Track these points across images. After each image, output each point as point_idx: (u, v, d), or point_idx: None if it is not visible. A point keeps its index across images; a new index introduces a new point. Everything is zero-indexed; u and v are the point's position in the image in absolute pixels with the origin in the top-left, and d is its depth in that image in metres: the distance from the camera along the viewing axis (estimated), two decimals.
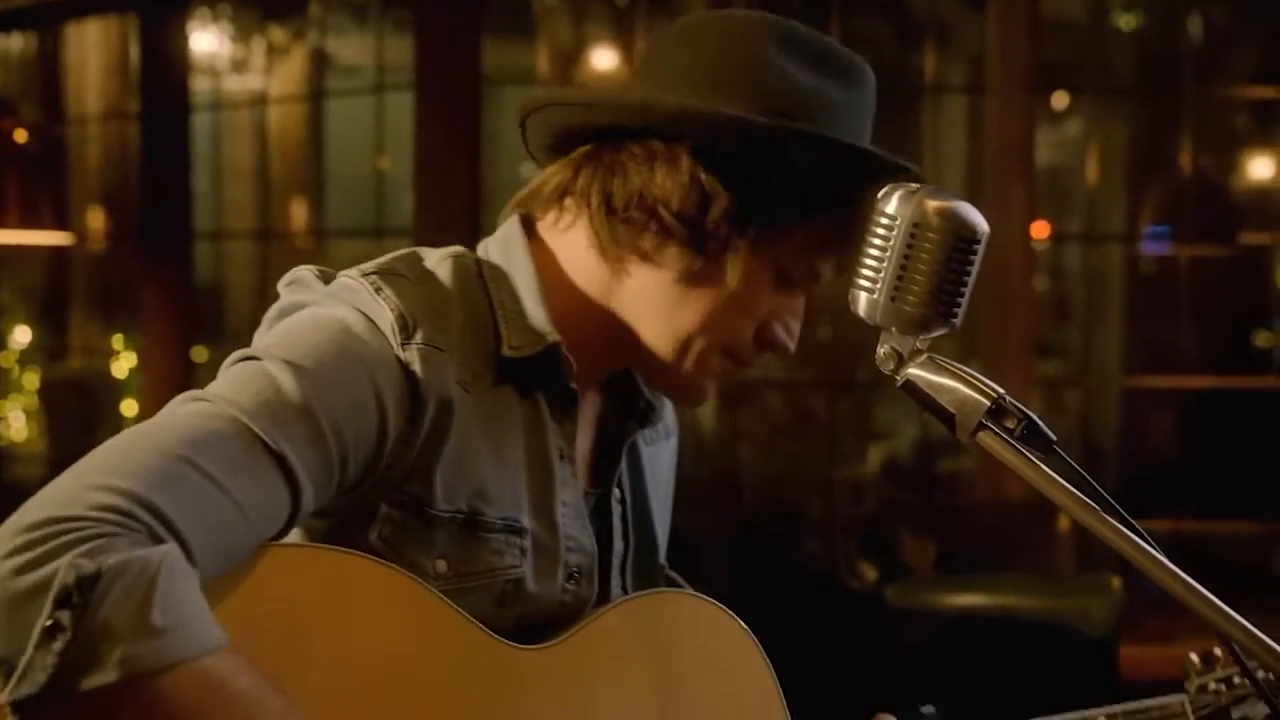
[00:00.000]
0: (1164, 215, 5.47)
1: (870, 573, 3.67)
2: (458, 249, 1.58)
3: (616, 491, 1.67)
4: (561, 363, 1.52)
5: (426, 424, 1.43)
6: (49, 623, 1.15)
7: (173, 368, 5.59)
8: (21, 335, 6.96)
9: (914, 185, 1.35)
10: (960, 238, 1.34)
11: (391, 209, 5.46)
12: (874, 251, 1.36)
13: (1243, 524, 5.11)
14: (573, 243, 1.56)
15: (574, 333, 1.54)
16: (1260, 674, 1.61)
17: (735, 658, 1.63)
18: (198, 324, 5.93)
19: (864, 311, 1.37)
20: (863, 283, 1.37)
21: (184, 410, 1.34)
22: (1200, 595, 1.27)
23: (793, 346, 1.58)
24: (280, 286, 1.54)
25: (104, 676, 1.15)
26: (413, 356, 1.43)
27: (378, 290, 1.45)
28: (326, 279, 1.52)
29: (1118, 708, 1.81)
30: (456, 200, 4.69)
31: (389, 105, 5.46)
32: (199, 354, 6.17)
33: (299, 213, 6.38)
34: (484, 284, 1.54)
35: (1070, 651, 2.99)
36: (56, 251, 6.34)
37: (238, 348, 1.47)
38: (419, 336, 1.44)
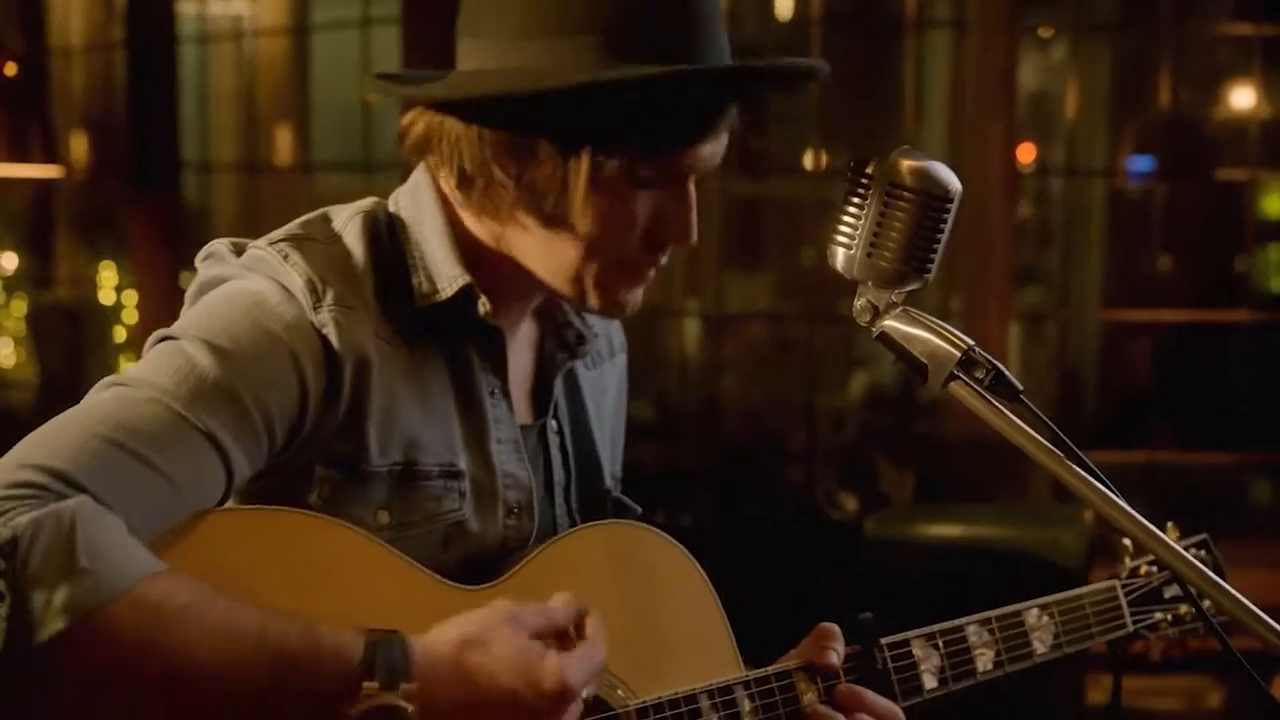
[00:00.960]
0: (1144, 149, 5.51)
1: (850, 503, 3.75)
2: (368, 203, 1.62)
3: (553, 423, 1.72)
4: (475, 304, 1.56)
5: (347, 383, 1.47)
6: None
7: (161, 294, 5.60)
8: (8, 262, 6.95)
9: (890, 148, 1.42)
10: (933, 196, 1.41)
11: (378, 142, 5.47)
12: (851, 209, 1.44)
13: (1218, 455, 5.19)
14: (454, 195, 1.59)
15: (487, 274, 1.58)
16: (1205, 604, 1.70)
17: (680, 585, 1.69)
18: (186, 251, 5.94)
19: (841, 266, 1.45)
20: (840, 239, 1.44)
21: (106, 395, 1.39)
22: (1150, 533, 1.36)
23: (693, 236, 1.58)
24: (197, 261, 1.59)
25: (53, 625, 1.21)
26: (325, 319, 1.47)
27: (285, 257, 1.50)
28: (239, 250, 1.55)
29: (1051, 598, 1.90)
30: None
31: (375, 39, 5.46)
32: (188, 280, 6.18)
33: (285, 145, 6.38)
34: (395, 237, 1.59)
35: (1043, 580, 3.05)
36: (44, 181, 6.34)
37: None
38: (329, 298, 1.48)
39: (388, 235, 1.59)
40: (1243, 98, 5.30)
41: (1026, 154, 5.68)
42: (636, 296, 1.62)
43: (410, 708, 1.29)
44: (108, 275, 6.74)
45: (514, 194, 1.52)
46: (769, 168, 5.86)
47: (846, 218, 1.43)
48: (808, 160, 5.44)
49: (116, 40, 6.00)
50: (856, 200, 1.42)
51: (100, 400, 1.38)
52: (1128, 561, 2.00)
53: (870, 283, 1.43)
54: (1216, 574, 2.06)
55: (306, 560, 1.43)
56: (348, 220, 1.58)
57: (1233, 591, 1.33)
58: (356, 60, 5.51)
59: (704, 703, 1.63)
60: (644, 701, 1.60)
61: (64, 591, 1.21)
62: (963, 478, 3.79)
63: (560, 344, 1.73)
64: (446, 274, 1.56)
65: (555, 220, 1.52)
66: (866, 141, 6.09)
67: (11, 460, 1.30)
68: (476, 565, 1.56)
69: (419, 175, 1.62)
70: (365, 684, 1.28)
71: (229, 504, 1.45)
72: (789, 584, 3.47)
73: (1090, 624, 1.92)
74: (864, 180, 1.42)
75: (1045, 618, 1.87)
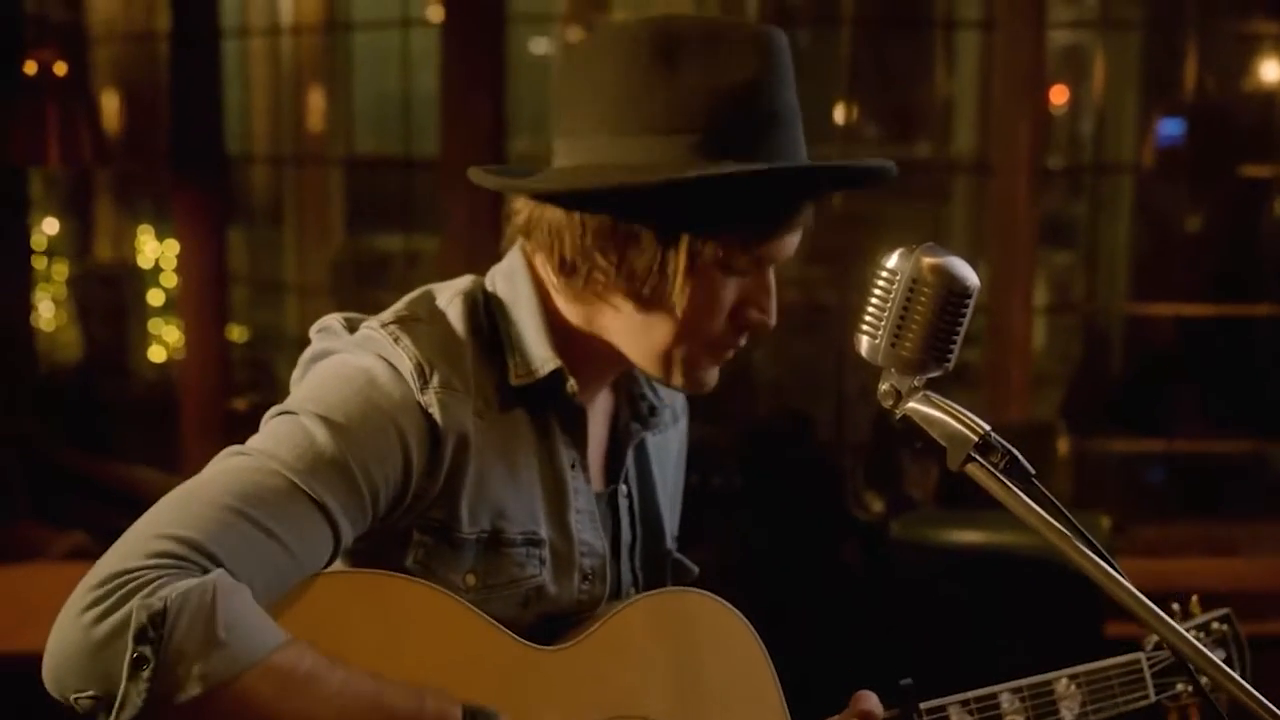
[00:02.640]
0: (1169, 146, 5.54)
1: (876, 504, 3.83)
2: (467, 283, 1.73)
3: (623, 488, 1.83)
4: (564, 385, 1.68)
5: (447, 459, 1.59)
6: (135, 656, 1.32)
7: (203, 260, 5.68)
8: (49, 227, 7.05)
9: (914, 244, 1.50)
10: (953, 293, 1.47)
11: (418, 136, 5.54)
12: (875, 301, 1.50)
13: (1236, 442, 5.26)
14: (550, 280, 1.71)
15: (575, 353, 1.70)
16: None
17: (735, 648, 1.79)
18: (228, 223, 6.00)
19: (866, 354, 1.52)
20: (865, 328, 1.51)
21: (229, 464, 1.50)
22: (1152, 611, 1.44)
23: (771, 322, 1.71)
24: (311, 333, 1.70)
25: (189, 691, 1.34)
26: (431, 400, 1.58)
27: (396, 340, 1.61)
28: (351, 326, 1.67)
29: (1080, 669, 1.98)
30: (480, 134, 4.79)
31: (414, 37, 5.52)
32: (234, 245, 6.22)
33: (322, 133, 6.45)
34: (491, 317, 1.70)
35: (1061, 587, 3.16)
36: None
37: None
38: (435, 381, 1.59)
39: (485, 315, 1.70)
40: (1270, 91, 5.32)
41: (1059, 95, 5.73)
42: (714, 375, 1.74)
43: None
44: (146, 239, 6.85)
45: (613, 279, 1.64)
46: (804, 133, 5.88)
47: (871, 308, 1.49)
48: (838, 115, 5.47)
49: (160, 30, 6.06)
50: (880, 293, 1.49)
51: (225, 470, 1.50)
52: (1153, 635, 2.06)
53: (894, 370, 1.50)
54: (1236, 644, 2.18)
55: (400, 620, 1.55)
56: (449, 300, 1.69)
57: (1235, 675, 1.36)
58: (396, 55, 5.58)
59: None
60: None
61: (203, 662, 1.34)
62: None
63: (634, 415, 1.85)
64: (540, 356, 1.68)
65: (651, 304, 1.65)
66: (896, 114, 6.14)
67: (149, 529, 1.42)
68: (552, 623, 1.69)
69: (515, 258, 1.73)
70: None
71: (335, 565, 1.57)
72: (813, 578, 3.57)
73: (1116, 694, 2.01)
74: (887, 274, 1.49)
75: (1074, 687, 1.96)
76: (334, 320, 1.69)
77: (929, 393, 1.52)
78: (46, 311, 7.02)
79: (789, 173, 1.61)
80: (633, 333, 1.68)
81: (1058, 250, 6.05)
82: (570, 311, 1.71)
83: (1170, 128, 5.61)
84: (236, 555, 1.42)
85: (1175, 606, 2.12)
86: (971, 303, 1.50)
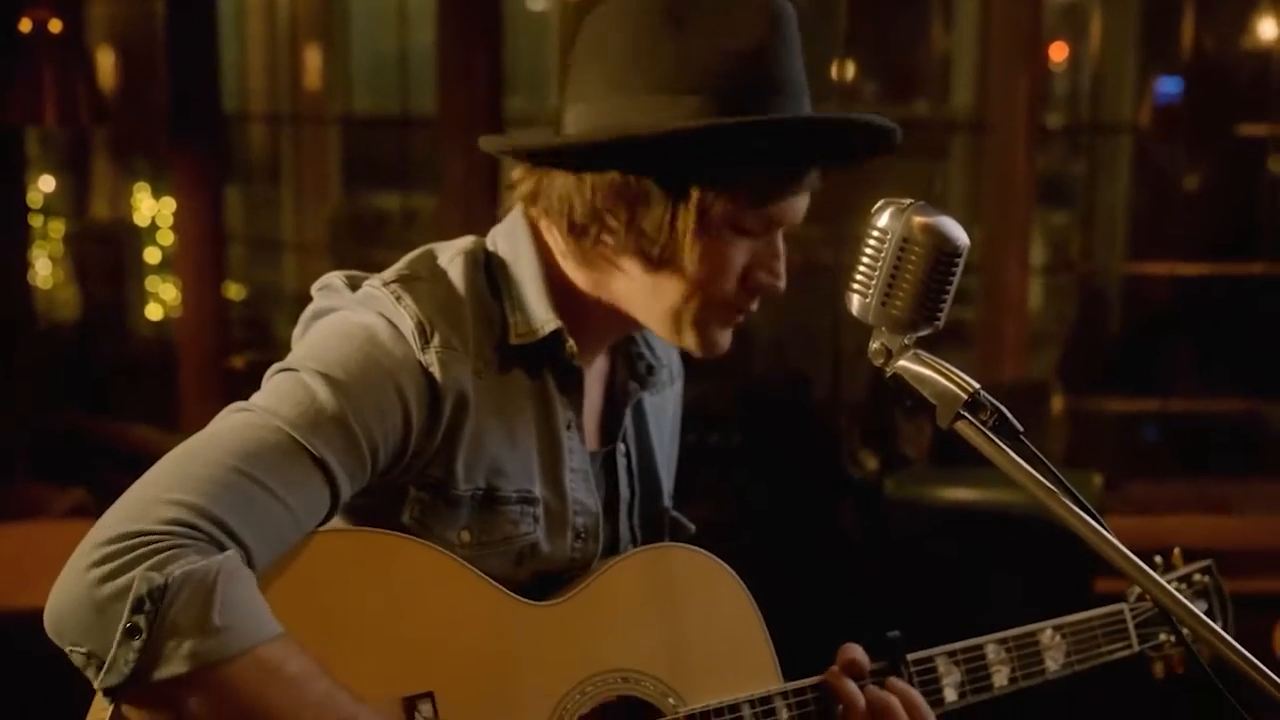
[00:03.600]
0: (1166, 104, 5.53)
1: (871, 462, 3.85)
2: (469, 243, 1.74)
3: (621, 446, 1.85)
4: (563, 346, 1.70)
5: (446, 418, 1.60)
6: (128, 625, 1.35)
7: (200, 219, 5.68)
8: (46, 185, 7.04)
9: (905, 201, 1.51)
10: (943, 252, 1.49)
11: (416, 94, 5.53)
12: (866, 260, 1.52)
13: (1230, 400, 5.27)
14: (557, 244, 1.72)
15: (576, 316, 1.71)
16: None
17: (726, 602, 1.82)
18: (225, 181, 5.99)
19: (857, 312, 1.53)
20: (856, 287, 1.53)
21: (232, 421, 1.53)
22: (1135, 564, 1.46)
23: (781, 284, 1.72)
24: (313, 290, 1.72)
25: (175, 668, 1.36)
26: (432, 359, 1.60)
27: (398, 298, 1.62)
28: (353, 284, 1.68)
29: (1064, 620, 2.02)
30: (478, 91, 4.78)
31: None
32: (231, 203, 6.21)
33: (319, 90, 6.44)
34: (492, 277, 1.71)
35: (1051, 544, 3.18)
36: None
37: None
38: (436, 340, 1.61)
39: (486, 275, 1.72)
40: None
41: (1058, 52, 5.72)
42: (727, 337, 1.75)
43: None
44: (143, 197, 6.84)
45: (622, 240, 1.65)
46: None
47: (862, 267, 1.51)
48: (836, 72, 5.44)
49: None
50: (871, 251, 1.51)
51: (228, 428, 1.52)
52: (1134, 586, 2.11)
53: (884, 328, 1.52)
54: (1218, 595, 2.20)
55: (396, 577, 1.58)
56: (451, 259, 1.71)
57: (1215, 626, 1.41)
58: (395, 10, 5.56)
59: (746, 711, 1.77)
60: (692, 709, 1.75)
61: (193, 642, 1.37)
62: None
63: (632, 374, 1.87)
64: (540, 317, 1.69)
65: (661, 264, 1.66)
66: (894, 72, 6.13)
67: (157, 490, 1.45)
68: (546, 580, 1.71)
69: (516, 219, 1.75)
70: None
71: (333, 522, 1.60)
72: (808, 536, 3.60)
73: (1099, 644, 2.05)
74: (879, 233, 1.51)
75: (1058, 638, 2.00)
76: (336, 278, 1.71)
77: (919, 351, 1.53)
78: (43, 269, 7.01)
79: (797, 123, 1.62)
80: (643, 295, 1.70)
81: (1055, 210, 6.05)
82: (578, 275, 1.72)
83: (1168, 86, 5.61)
84: (241, 519, 1.45)
85: (1158, 559, 2.15)
86: (962, 262, 1.52)
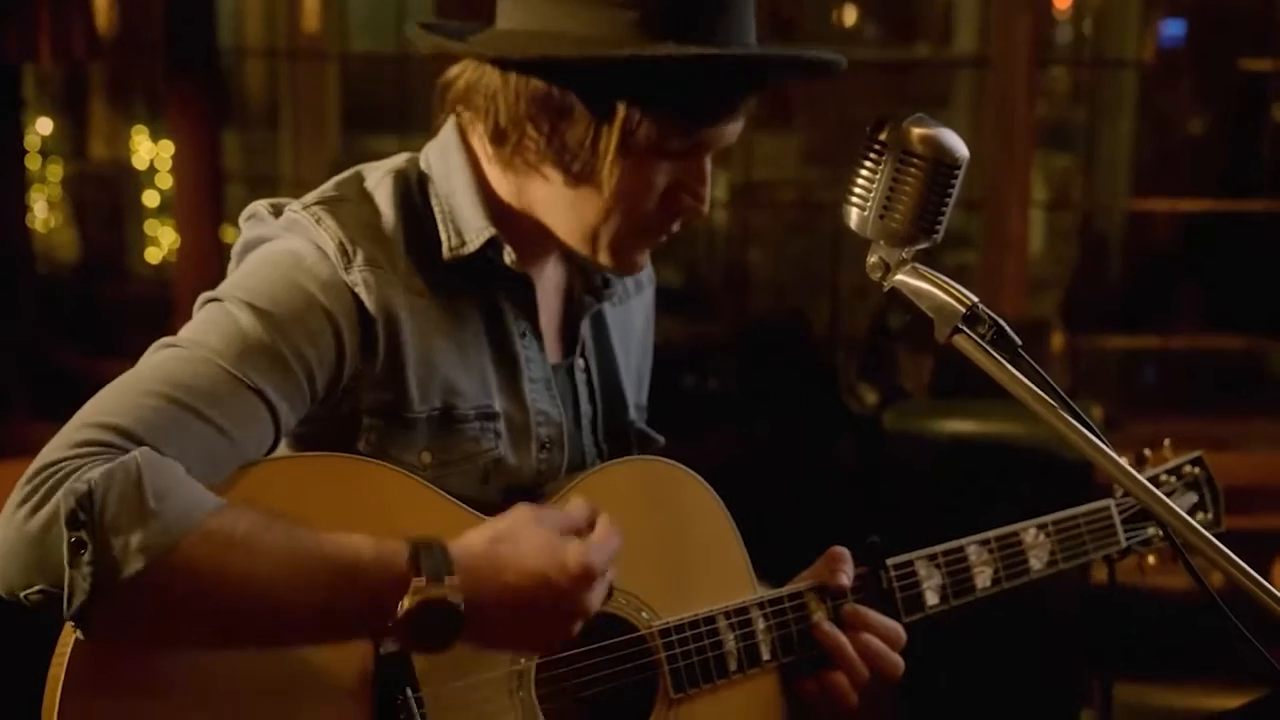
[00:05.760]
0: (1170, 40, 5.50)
1: (870, 396, 3.85)
2: (400, 161, 1.71)
3: (580, 361, 1.83)
4: (502, 253, 1.66)
5: (381, 338, 1.58)
6: (72, 541, 1.32)
7: (198, 160, 5.66)
8: (43, 127, 7.01)
9: (903, 114, 1.50)
10: (942, 163, 1.48)
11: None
12: (864, 173, 1.50)
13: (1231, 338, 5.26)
14: (484, 150, 1.68)
15: (511, 227, 1.67)
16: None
17: (699, 513, 1.81)
18: (223, 123, 5.97)
19: (855, 226, 1.52)
20: (854, 200, 1.52)
21: (160, 356, 1.50)
22: (1142, 485, 1.46)
23: (704, 208, 1.68)
24: (240, 221, 1.69)
25: (131, 566, 1.33)
26: (356, 279, 1.57)
27: (318, 220, 1.60)
28: (278, 211, 1.65)
29: (1048, 518, 2.01)
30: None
31: None
32: (229, 149, 6.19)
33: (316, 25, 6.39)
34: (424, 194, 1.68)
35: (1052, 474, 3.18)
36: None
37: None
38: (359, 259, 1.58)
39: (418, 192, 1.68)
40: None
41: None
42: (645, 258, 1.72)
43: (456, 597, 1.43)
44: (141, 140, 6.81)
45: (544, 150, 1.60)
46: (802, 35, 5.86)
47: (860, 180, 1.50)
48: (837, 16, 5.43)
49: None
50: (870, 164, 1.50)
51: (155, 362, 1.50)
52: None
53: (882, 241, 1.51)
54: (1209, 486, 2.19)
55: (355, 500, 1.56)
56: (379, 180, 1.68)
57: (1202, 530, 1.39)
58: None
59: (721, 623, 1.76)
60: (666, 622, 1.73)
61: (139, 534, 1.34)
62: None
63: (588, 287, 1.83)
64: (473, 227, 1.66)
65: (580, 180, 1.61)
66: (895, 15, 6.09)
67: (76, 422, 1.42)
68: (514, 496, 1.67)
69: (448, 132, 1.71)
70: (414, 580, 1.42)
71: (281, 451, 1.57)
72: (808, 471, 3.60)
73: (1085, 541, 2.03)
74: (878, 145, 1.49)
75: (1042, 536, 1.98)
76: (260, 206, 1.68)
77: (917, 265, 1.52)
78: (41, 213, 6.99)
79: (726, 59, 1.56)
80: (560, 208, 1.65)
81: (1057, 153, 6.02)
82: (502, 183, 1.68)
83: (1171, 28, 5.58)
84: (167, 438, 1.41)
85: (1147, 452, 2.14)
86: (961, 174, 1.50)
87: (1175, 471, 2.16)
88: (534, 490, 1.72)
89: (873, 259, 1.54)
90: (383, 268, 1.60)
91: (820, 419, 3.84)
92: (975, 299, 1.50)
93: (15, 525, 1.35)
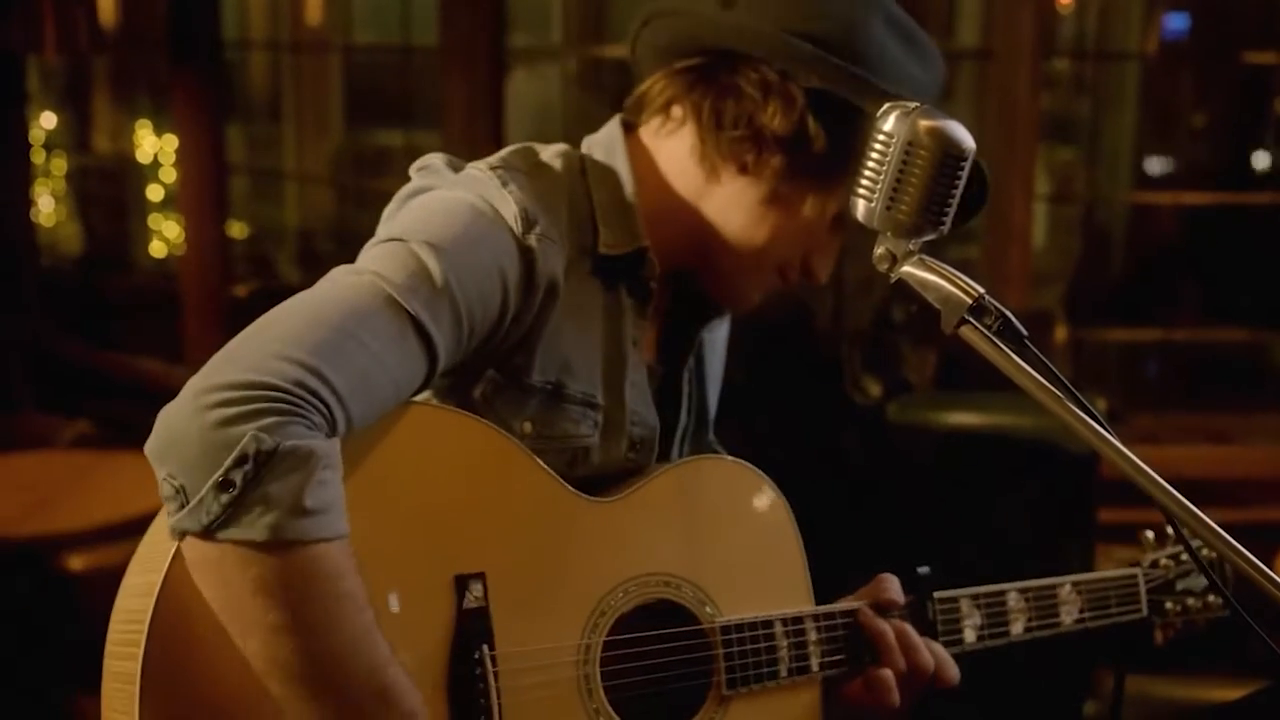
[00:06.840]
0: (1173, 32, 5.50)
1: (874, 388, 3.85)
2: (565, 147, 1.76)
3: (686, 373, 1.90)
4: (646, 264, 1.73)
5: (536, 306, 1.62)
6: (223, 478, 1.33)
7: (203, 153, 5.66)
8: (47, 121, 7.02)
9: (910, 105, 1.51)
10: (949, 155, 1.48)
11: (418, 29, 5.50)
12: (872, 164, 1.50)
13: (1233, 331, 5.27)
14: (673, 147, 1.75)
15: (659, 233, 1.74)
16: (1203, 551, 1.88)
17: (769, 519, 1.85)
18: (227, 116, 5.98)
19: (863, 217, 1.53)
20: (862, 191, 1.52)
21: (345, 282, 1.51)
22: (1149, 476, 1.46)
23: (824, 280, 1.81)
24: (412, 170, 1.71)
25: (251, 534, 1.34)
26: (533, 245, 1.60)
27: (504, 184, 1.62)
28: (455, 168, 1.68)
29: (1082, 577, 2.07)
30: (479, 22, 4.76)
31: None
32: (234, 140, 6.20)
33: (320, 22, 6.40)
34: (586, 182, 1.73)
35: (1056, 466, 3.19)
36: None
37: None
38: (538, 228, 1.62)
39: (581, 179, 1.74)
40: None
41: None
42: (756, 300, 1.85)
43: None
44: (145, 134, 6.82)
45: (771, 159, 1.72)
46: None
47: (867, 171, 1.50)
48: None
49: None
50: (877, 155, 1.50)
51: (343, 289, 1.50)
52: (1149, 554, 2.17)
53: (889, 233, 1.51)
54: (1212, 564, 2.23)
55: (464, 456, 1.59)
56: (552, 158, 1.73)
57: (1210, 523, 1.38)
58: None
59: (778, 628, 1.80)
60: (728, 620, 1.77)
61: (278, 514, 1.35)
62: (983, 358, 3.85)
63: (705, 308, 1.90)
64: (629, 231, 1.73)
65: (780, 199, 1.74)
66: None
67: (277, 344, 1.41)
68: (594, 489, 1.71)
69: (613, 131, 1.78)
70: None
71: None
72: (811, 463, 3.60)
73: (1111, 604, 2.09)
74: (884, 137, 1.50)
75: (1075, 594, 2.03)
76: (437, 158, 1.71)
77: (924, 256, 1.53)
78: (46, 206, 7.01)
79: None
80: (745, 215, 1.76)
81: (1061, 146, 6.02)
82: (679, 176, 1.77)
83: (1174, 15, 5.58)
84: (352, 387, 1.43)
85: (1149, 535, 2.19)
86: (968, 165, 1.50)
87: (1174, 558, 2.20)
88: (613, 485, 1.75)
89: (879, 250, 1.54)
90: (554, 241, 1.64)
91: (824, 411, 3.84)
92: (982, 290, 1.51)
93: (201, 424, 1.35)
